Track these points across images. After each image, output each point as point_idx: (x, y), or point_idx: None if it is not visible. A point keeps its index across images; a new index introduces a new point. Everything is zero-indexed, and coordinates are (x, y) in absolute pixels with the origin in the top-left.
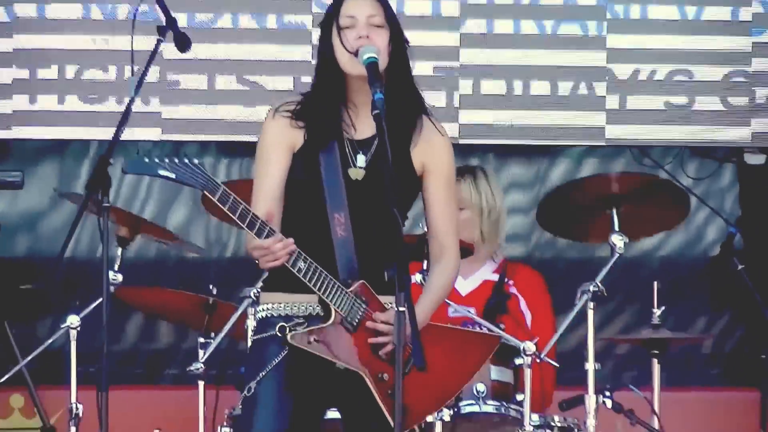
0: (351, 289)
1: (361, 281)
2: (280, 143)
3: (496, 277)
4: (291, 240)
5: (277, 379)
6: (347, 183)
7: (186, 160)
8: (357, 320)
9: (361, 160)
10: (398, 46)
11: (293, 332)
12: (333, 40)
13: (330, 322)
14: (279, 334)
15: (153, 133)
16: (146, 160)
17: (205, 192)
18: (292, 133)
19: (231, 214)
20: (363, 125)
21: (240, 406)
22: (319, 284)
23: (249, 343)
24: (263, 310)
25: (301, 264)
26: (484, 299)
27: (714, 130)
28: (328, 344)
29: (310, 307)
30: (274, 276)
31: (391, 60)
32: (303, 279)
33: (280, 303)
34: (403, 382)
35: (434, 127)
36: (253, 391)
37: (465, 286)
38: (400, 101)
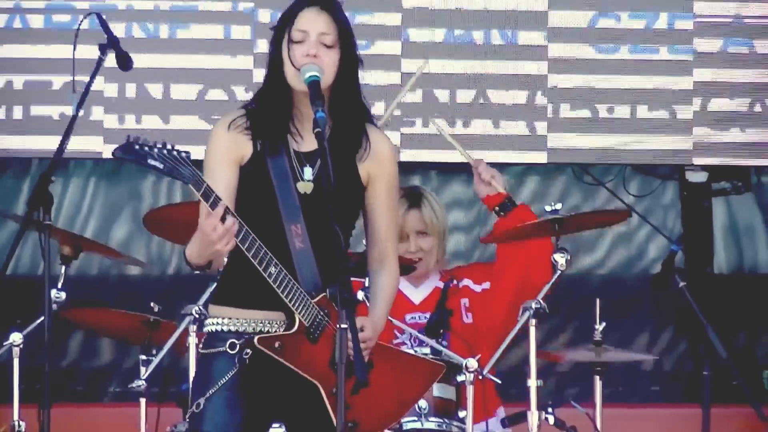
0: (315, 300)
1: (323, 294)
2: (227, 156)
3: (443, 285)
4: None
5: (226, 396)
6: (299, 195)
7: (175, 152)
8: (319, 332)
9: (308, 173)
10: (348, 63)
11: (260, 335)
12: (283, 51)
13: (294, 330)
14: (230, 351)
15: (96, 144)
16: (137, 146)
17: (191, 186)
18: (241, 145)
19: (203, 200)
20: (310, 137)
21: (187, 421)
22: (287, 291)
23: (192, 357)
24: (213, 323)
25: (272, 269)
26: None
27: (657, 139)
28: (290, 352)
29: (260, 324)
30: (225, 290)
31: (339, 75)
32: (273, 284)
33: (230, 318)
34: (355, 399)
35: (379, 137)
36: (201, 407)
37: (417, 294)
38: (346, 114)
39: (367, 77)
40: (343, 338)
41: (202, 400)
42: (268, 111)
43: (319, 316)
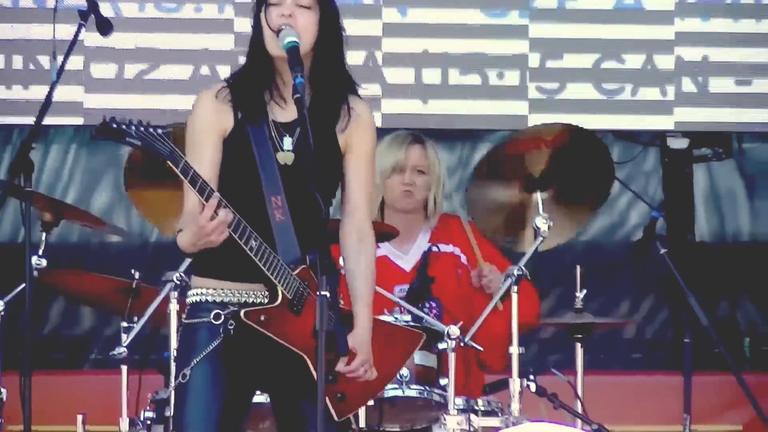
0: (296, 272)
1: (303, 266)
2: (211, 128)
3: (432, 248)
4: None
5: (210, 366)
6: (279, 166)
7: (151, 129)
8: (301, 304)
9: (287, 143)
10: (329, 27)
11: (246, 309)
12: (261, 16)
13: (277, 303)
14: (214, 321)
15: (75, 120)
16: (114, 126)
17: (169, 162)
18: (223, 117)
19: (191, 187)
20: (292, 106)
21: (171, 391)
22: (268, 264)
23: (174, 324)
24: (196, 294)
25: (252, 243)
26: (430, 271)
27: (638, 119)
28: (276, 324)
29: (245, 294)
30: (208, 261)
31: (319, 41)
32: (254, 257)
33: (214, 289)
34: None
35: (361, 106)
36: (187, 377)
37: (407, 261)
38: (328, 82)
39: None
40: (324, 306)
41: (187, 371)
42: (249, 81)
43: (301, 288)
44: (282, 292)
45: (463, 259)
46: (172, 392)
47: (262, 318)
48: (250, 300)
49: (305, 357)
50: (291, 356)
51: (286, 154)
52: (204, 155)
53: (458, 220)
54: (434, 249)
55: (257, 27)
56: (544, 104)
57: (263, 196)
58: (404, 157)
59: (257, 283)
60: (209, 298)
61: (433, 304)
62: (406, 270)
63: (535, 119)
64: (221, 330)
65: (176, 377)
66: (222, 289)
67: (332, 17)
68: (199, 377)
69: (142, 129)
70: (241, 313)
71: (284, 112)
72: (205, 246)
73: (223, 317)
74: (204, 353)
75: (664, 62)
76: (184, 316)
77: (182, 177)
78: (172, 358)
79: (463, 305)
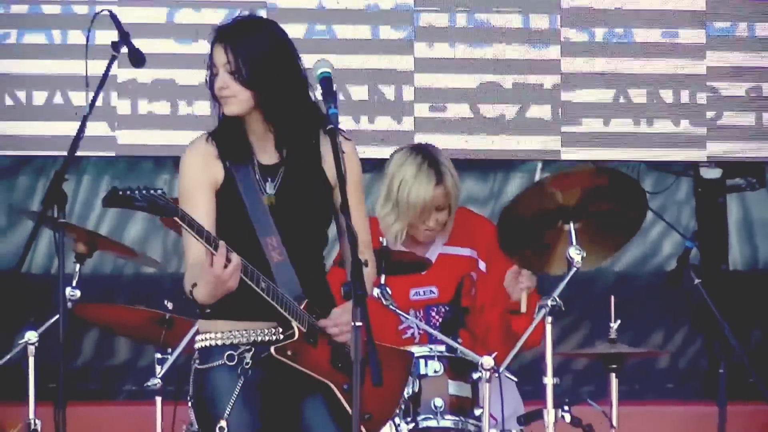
0: (302, 306)
1: (306, 300)
2: (202, 181)
3: (451, 250)
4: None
5: (242, 413)
6: (270, 207)
7: (152, 191)
8: (315, 336)
9: (269, 186)
10: (271, 82)
11: (275, 346)
12: None
13: (296, 338)
14: (228, 363)
15: (107, 153)
16: (120, 194)
17: (176, 219)
18: (212, 168)
19: (199, 238)
20: (270, 151)
21: None
22: (280, 302)
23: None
24: (205, 339)
25: (262, 284)
26: (445, 274)
27: (671, 153)
28: (300, 357)
29: (254, 334)
30: (219, 304)
31: (266, 95)
32: (267, 297)
33: (223, 332)
34: (365, 394)
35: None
36: (226, 430)
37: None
38: (297, 122)
39: None
40: (358, 336)
41: (224, 424)
42: (230, 129)
43: (311, 321)
44: (297, 327)
45: (482, 265)
46: None
47: (289, 353)
48: (259, 339)
49: (331, 385)
50: (310, 387)
51: (269, 197)
52: (200, 208)
53: (484, 221)
54: (448, 252)
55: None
56: (575, 137)
57: (258, 240)
58: (428, 200)
59: (270, 321)
60: (219, 342)
61: (443, 309)
62: (421, 272)
63: (568, 153)
64: (239, 371)
65: (205, 425)
66: (230, 331)
67: (274, 71)
68: (237, 428)
69: (144, 192)
70: (272, 350)
71: (266, 155)
72: (224, 293)
73: (237, 358)
74: (232, 401)
75: (698, 95)
76: (195, 361)
77: (189, 230)
78: (200, 409)
79: (477, 314)
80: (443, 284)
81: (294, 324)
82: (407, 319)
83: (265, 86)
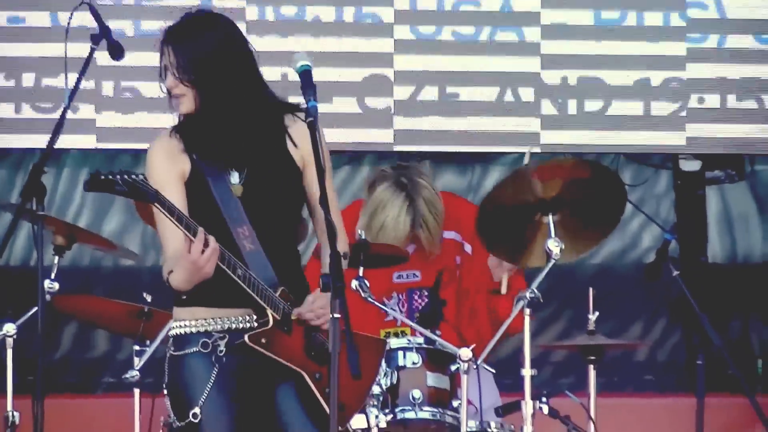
0: (277, 294)
1: (281, 288)
2: (170, 173)
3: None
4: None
5: (217, 400)
6: (240, 198)
7: (134, 176)
8: (289, 324)
9: (234, 177)
10: (218, 77)
11: (249, 334)
12: None
13: (270, 325)
14: (203, 350)
15: (88, 142)
16: (102, 177)
17: (156, 204)
18: (179, 161)
19: (179, 224)
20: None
21: (180, 426)
22: (255, 289)
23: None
24: (180, 326)
25: (239, 271)
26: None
27: (650, 136)
28: (275, 345)
29: (228, 321)
30: (194, 290)
31: (212, 93)
32: (243, 284)
33: (197, 319)
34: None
35: (298, 120)
36: (199, 417)
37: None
38: (257, 112)
39: None
40: (336, 328)
41: (197, 410)
42: (192, 125)
43: (286, 309)
44: (272, 315)
45: (467, 248)
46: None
47: (263, 341)
48: (233, 326)
49: (303, 374)
50: (284, 375)
51: (236, 187)
52: (172, 200)
53: (467, 204)
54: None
55: None
56: (558, 120)
57: (229, 230)
58: (401, 242)
59: (244, 308)
60: (193, 329)
61: (425, 293)
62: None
63: (548, 136)
64: (213, 359)
65: (179, 412)
66: (205, 319)
67: (220, 69)
68: (210, 414)
69: (125, 177)
70: (246, 338)
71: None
72: (200, 279)
73: (211, 345)
74: (207, 388)
75: (676, 78)
76: (169, 348)
77: (168, 216)
78: (173, 394)
79: (462, 297)
80: (427, 268)
81: (268, 312)
82: (387, 310)
83: (211, 85)
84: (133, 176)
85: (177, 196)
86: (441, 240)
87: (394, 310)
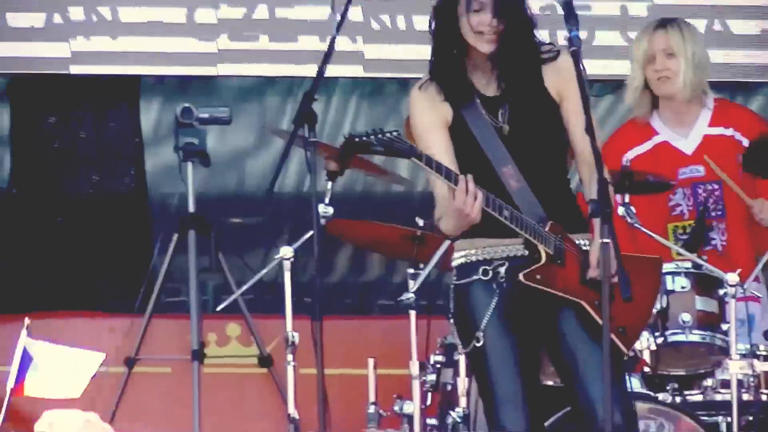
0: (547, 229)
1: (550, 222)
2: (433, 122)
3: (715, 131)
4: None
5: (499, 326)
6: (501, 137)
7: (388, 134)
8: (562, 256)
9: (500, 116)
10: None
11: (523, 272)
12: (461, 18)
13: (543, 261)
14: (483, 278)
15: (355, 71)
16: (356, 140)
17: (413, 158)
18: (440, 108)
19: (439, 175)
20: (489, 86)
21: (466, 352)
22: (524, 229)
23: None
24: (462, 256)
25: (505, 212)
26: (710, 155)
27: None
28: (550, 280)
29: (508, 249)
30: (461, 235)
31: (510, 28)
32: (511, 225)
33: (477, 248)
34: (615, 308)
35: (555, 51)
36: (482, 340)
37: (687, 144)
38: (517, 50)
39: None
40: (607, 253)
41: (480, 334)
42: (451, 69)
43: (557, 242)
44: (544, 250)
45: (745, 143)
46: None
47: (538, 277)
48: (512, 254)
49: (584, 303)
50: (561, 305)
51: (503, 127)
52: (435, 147)
53: (747, 109)
54: (712, 132)
55: (453, 25)
56: None
57: (495, 171)
58: (648, 45)
59: (516, 237)
60: (474, 258)
61: (716, 186)
62: (687, 153)
63: None
64: (495, 285)
65: (464, 338)
66: (485, 248)
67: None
68: (492, 338)
69: (380, 137)
70: (521, 276)
71: (488, 87)
72: (468, 225)
73: (491, 272)
74: (489, 314)
75: None
76: (453, 277)
77: (428, 169)
78: (459, 322)
79: (747, 186)
80: (707, 166)
81: (540, 248)
82: (658, 239)
83: (516, 24)
84: (388, 134)
85: (440, 142)
86: (699, 73)
87: (664, 241)
